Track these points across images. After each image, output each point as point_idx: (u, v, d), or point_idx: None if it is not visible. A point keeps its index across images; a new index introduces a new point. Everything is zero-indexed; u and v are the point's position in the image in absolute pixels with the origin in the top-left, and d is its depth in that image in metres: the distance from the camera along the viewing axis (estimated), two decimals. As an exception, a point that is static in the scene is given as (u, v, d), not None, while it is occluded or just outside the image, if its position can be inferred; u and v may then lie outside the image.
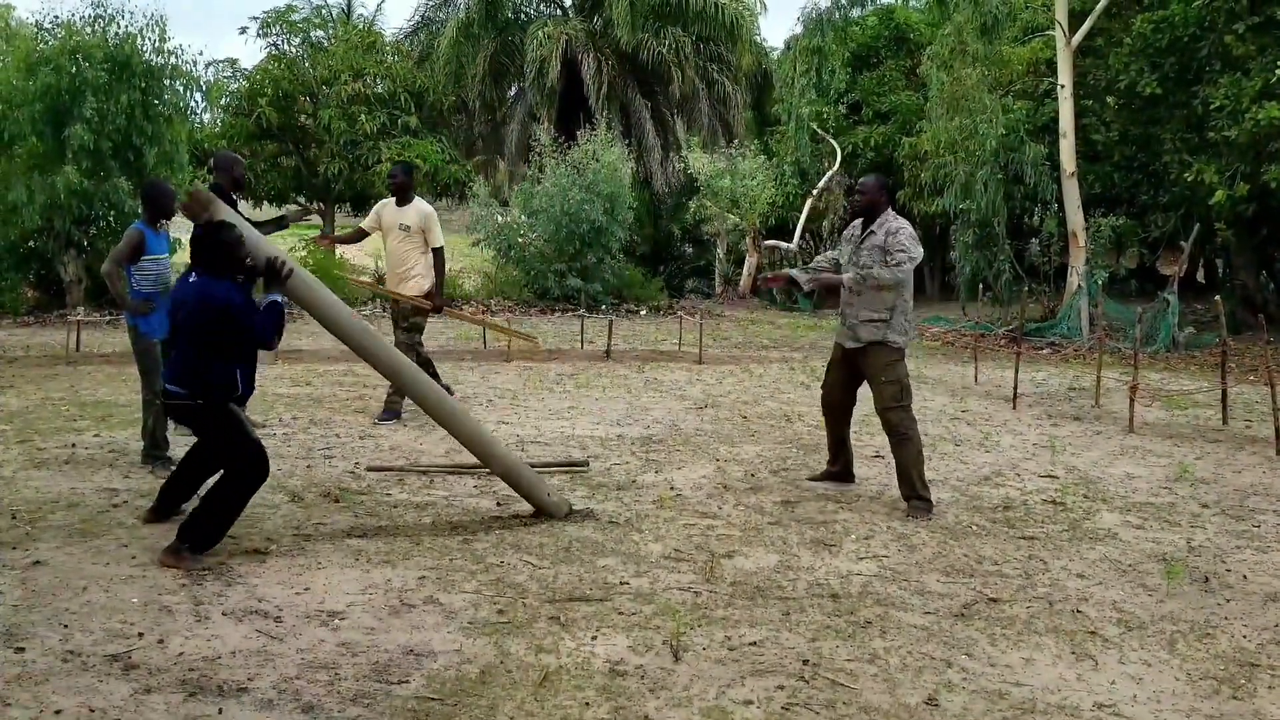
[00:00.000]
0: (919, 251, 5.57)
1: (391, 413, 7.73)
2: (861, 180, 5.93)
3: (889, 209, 5.74)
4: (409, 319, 7.78)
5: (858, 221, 5.86)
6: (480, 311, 16.45)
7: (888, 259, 5.55)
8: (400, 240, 7.69)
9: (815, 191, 22.53)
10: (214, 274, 4.49)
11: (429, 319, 7.97)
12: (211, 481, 4.63)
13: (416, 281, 7.70)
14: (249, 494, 4.53)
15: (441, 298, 7.91)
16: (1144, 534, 5.38)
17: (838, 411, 6.09)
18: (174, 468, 5.24)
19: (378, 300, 16.38)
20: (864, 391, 6.04)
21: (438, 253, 7.77)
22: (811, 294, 5.61)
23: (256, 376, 4.75)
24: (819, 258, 6.26)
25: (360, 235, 8.22)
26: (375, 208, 8.02)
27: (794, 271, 6.11)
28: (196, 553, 4.35)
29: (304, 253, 17.70)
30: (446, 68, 22.34)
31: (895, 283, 5.55)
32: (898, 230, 5.59)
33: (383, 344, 5.28)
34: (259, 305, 4.55)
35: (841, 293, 5.78)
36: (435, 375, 7.72)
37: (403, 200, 7.73)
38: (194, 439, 4.95)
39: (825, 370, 6.25)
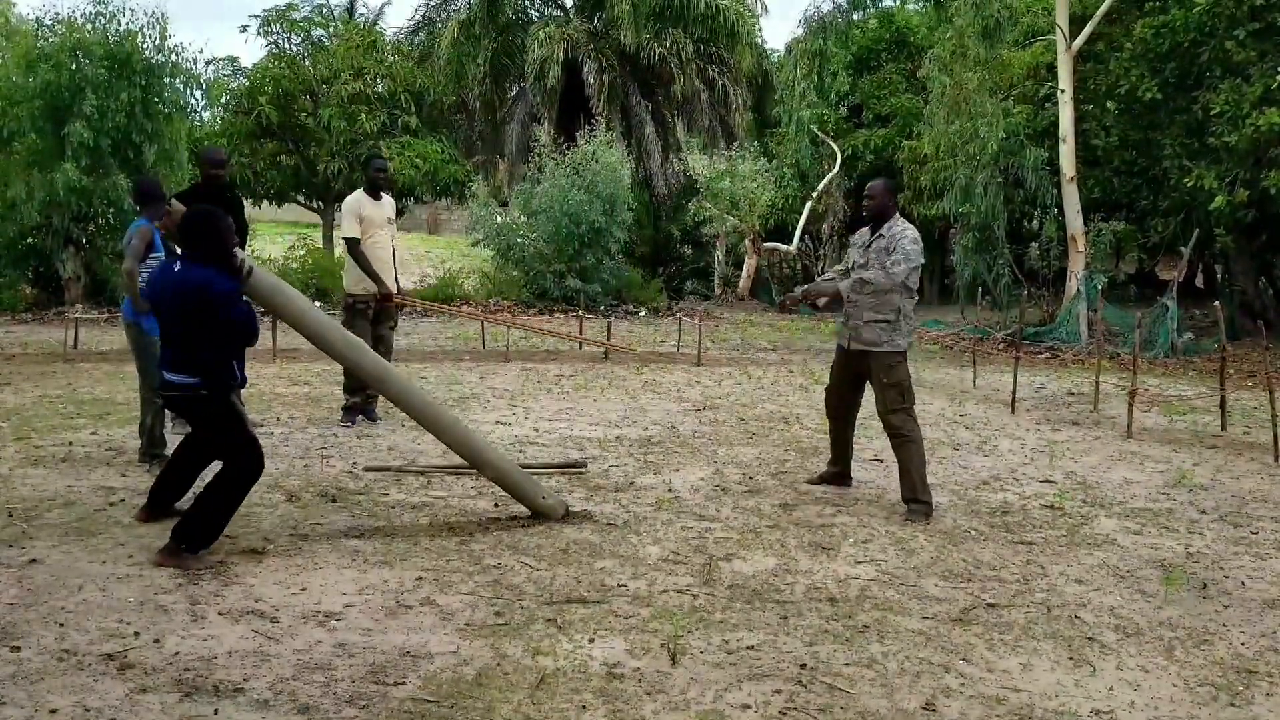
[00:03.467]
0: (919, 258, 5.57)
1: (365, 411, 7.69)
2: (870, 184, 5.84)
3: (896, 212, 5.76)
4: (394, 317, 7.77)
5: (865, 229, 5.86)
6: (482, 309, 16.42)
7: (887, 263, 5.56)
8: (388, 235, 7.49)
9: (815, 194, 22.54)
10: (200, 260, 4.37)
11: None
12: (208, 477, 4.61)
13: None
14: (245, 490, 4.50)
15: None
16: (1142, 540, 5.38)
17: (842, 413, 6.09)
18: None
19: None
20: (863, 394, 6.03)
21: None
22: (829, 307, 5.72)
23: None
24: (831, 270, 6.28)
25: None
26: (351, 209, 7.38)
27: (801, 289, 6.14)
28: (193, 551, 4.34)
29: (303, 253, 17.72)
30: (447, 68, 22.35)
31: (891, 287, 5.55)
32: (902, 234, 5.60)
33: (364, 348, 5.15)
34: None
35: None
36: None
37: (378, 194, 7.54)
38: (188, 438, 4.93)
39: (830, 373, 6.25)
